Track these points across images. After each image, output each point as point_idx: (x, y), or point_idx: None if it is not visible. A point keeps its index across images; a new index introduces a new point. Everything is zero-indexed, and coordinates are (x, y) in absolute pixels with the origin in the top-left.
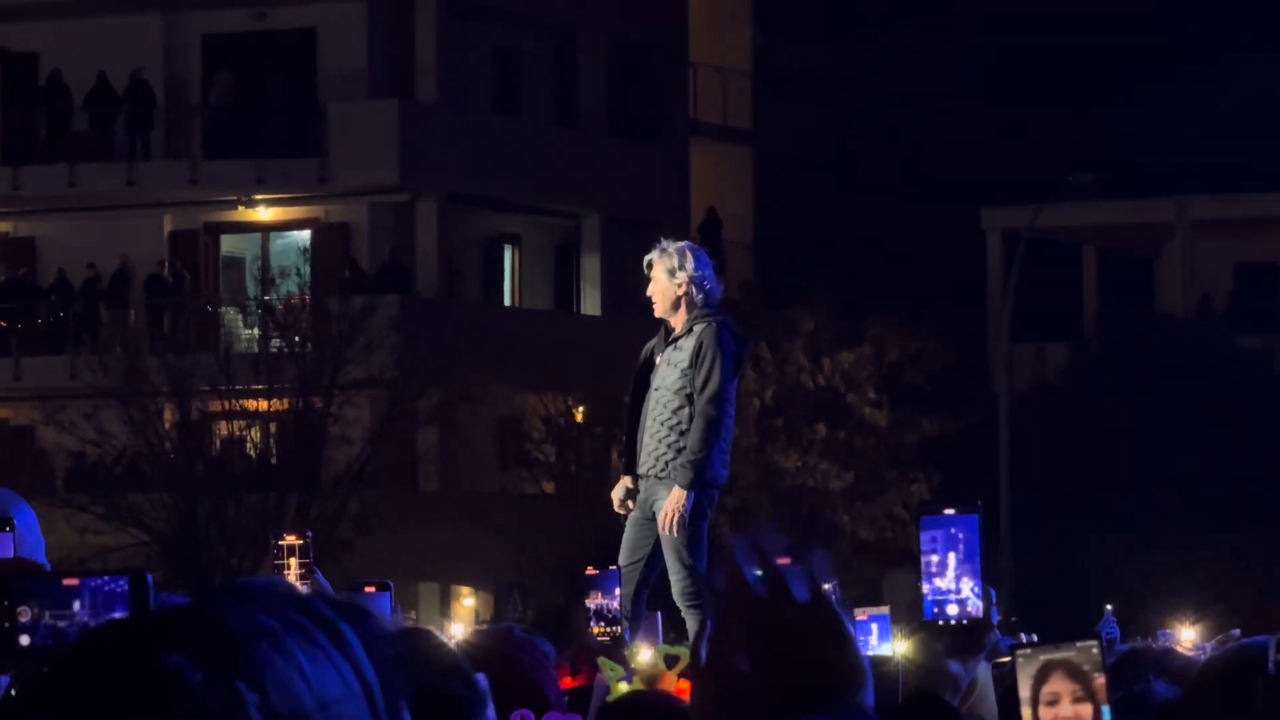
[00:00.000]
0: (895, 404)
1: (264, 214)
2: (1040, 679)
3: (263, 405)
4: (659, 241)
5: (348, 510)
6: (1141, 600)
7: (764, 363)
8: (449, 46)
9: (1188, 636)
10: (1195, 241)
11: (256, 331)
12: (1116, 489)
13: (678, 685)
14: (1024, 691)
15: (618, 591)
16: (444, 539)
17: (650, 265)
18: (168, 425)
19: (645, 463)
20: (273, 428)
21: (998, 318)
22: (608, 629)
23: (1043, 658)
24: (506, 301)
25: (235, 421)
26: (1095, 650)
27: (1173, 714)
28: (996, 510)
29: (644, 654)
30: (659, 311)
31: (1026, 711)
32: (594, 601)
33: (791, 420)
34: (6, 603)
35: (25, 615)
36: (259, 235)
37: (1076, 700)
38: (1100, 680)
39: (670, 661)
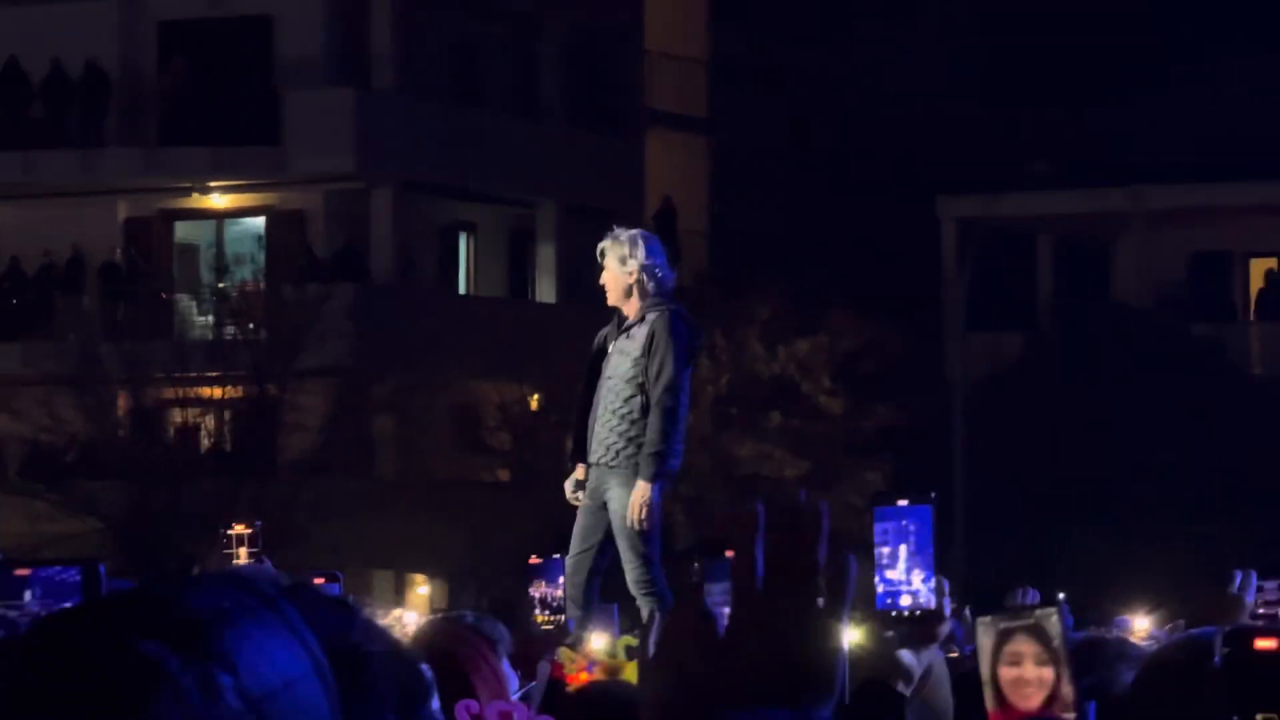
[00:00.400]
0: (850, 392)
1: (219, 201)
2: (1002, 639)
3: (217, 392)
4: (612, 230)
5: (302, 498)
6: (1096, 588)
7: (719, 351)
8: (406, 34)
9: (1141, 625)
10: (1150, 231)
11: (211, 319)
12: (1072, 477)
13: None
14: (984, 654)
15: (561, 580)
16: (399, 526)
17: (603, 254)
18: (122, 412)
19: (596, 451)
20: (227, 415)
21: (953, 306)
22: (551, 617)
23: (1003, 624)
24: (462, 289)
25: (190, 409)
26: (1055, 618)
27: (1124, 704)
28: (951, 499)
29: (597, 643)
30: (611, 300)
31: (985, 669)
32: (538, 590)
33: (746, 408)
34: None
35: None
36: (214, 222)
37: (1040, 663)
38: (1059, 645)
39: (631, 653)
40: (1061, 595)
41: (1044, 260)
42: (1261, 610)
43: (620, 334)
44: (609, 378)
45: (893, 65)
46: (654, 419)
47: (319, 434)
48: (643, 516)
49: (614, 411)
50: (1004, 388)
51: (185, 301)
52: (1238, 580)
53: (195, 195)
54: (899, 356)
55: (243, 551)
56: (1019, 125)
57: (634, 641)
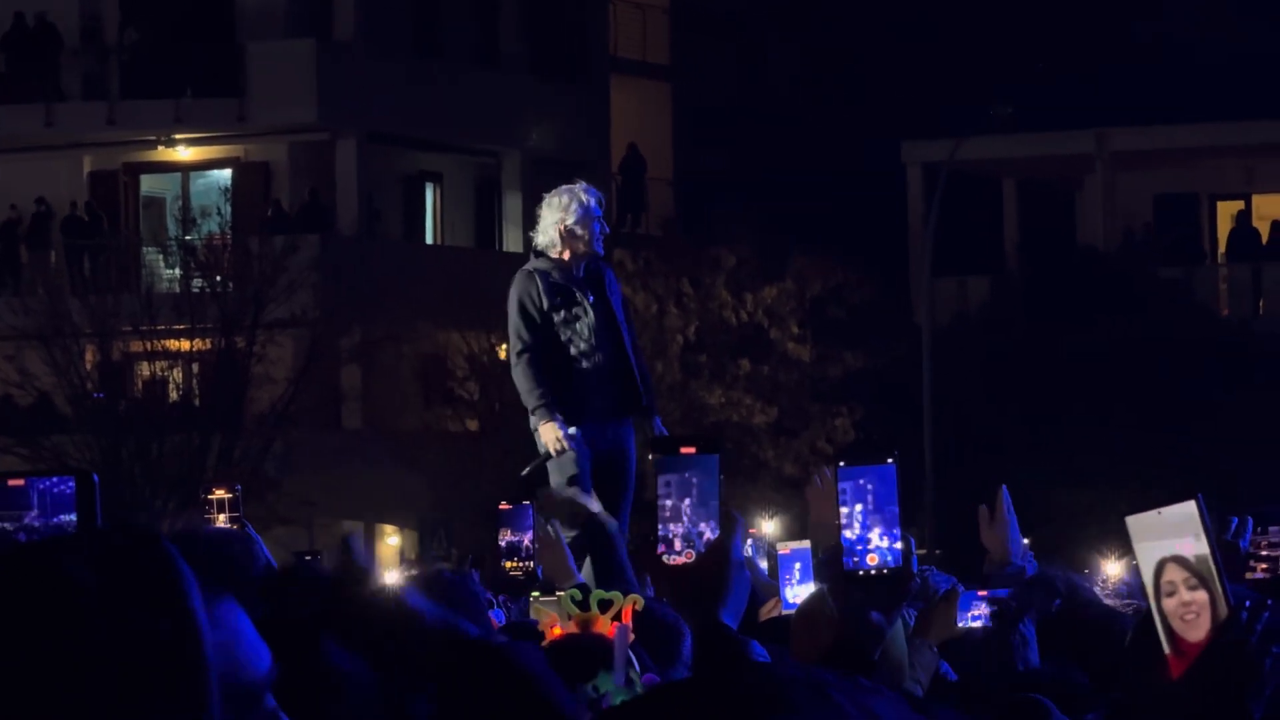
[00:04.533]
0: (818, 338)
1: (184, 154)
2: (1159, 571)
3: (185, 345)
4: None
5: (271, 450)
6: (1067, 532)
7: (686, 299)
8: None
9: (1113, 571)
10: (1115, 173)
11: (178, 272)
12: (1040, 421)
13: (610, 628)
14: (1149, 588)
15: (529, 527)
16: (368, 478)
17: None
18: (90, 366)
19: (610, 402)
20: (195, 368)
21: (919, 251)
22: (520, 564)
23: (1156, 551)
24: (428, 240)
25: (158, 362)
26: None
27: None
28: (920, 444)
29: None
30: (572, 251)
31: (1153, 606)
32: (505, 538)
33: (715, 356)
34: None
35: None
36: (179, 175)
37: (1192, 588)
38: (1209, 562)
39: (604, 606)
40: (1025, 541)
41: (1010, 204)
42: (1264, 552)
43: (577, 283)
44: (602, 326)
45: (857, 9)
46: (644, 369)
47: (287, 386)
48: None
49: (624, 357)
50: (971, 332)
51: (151, 255)
52: (1233, 526)
53: (160, 148)
54: (866, 302)
55: (222, 517)
56: (983, 68)
57: (605, 595)
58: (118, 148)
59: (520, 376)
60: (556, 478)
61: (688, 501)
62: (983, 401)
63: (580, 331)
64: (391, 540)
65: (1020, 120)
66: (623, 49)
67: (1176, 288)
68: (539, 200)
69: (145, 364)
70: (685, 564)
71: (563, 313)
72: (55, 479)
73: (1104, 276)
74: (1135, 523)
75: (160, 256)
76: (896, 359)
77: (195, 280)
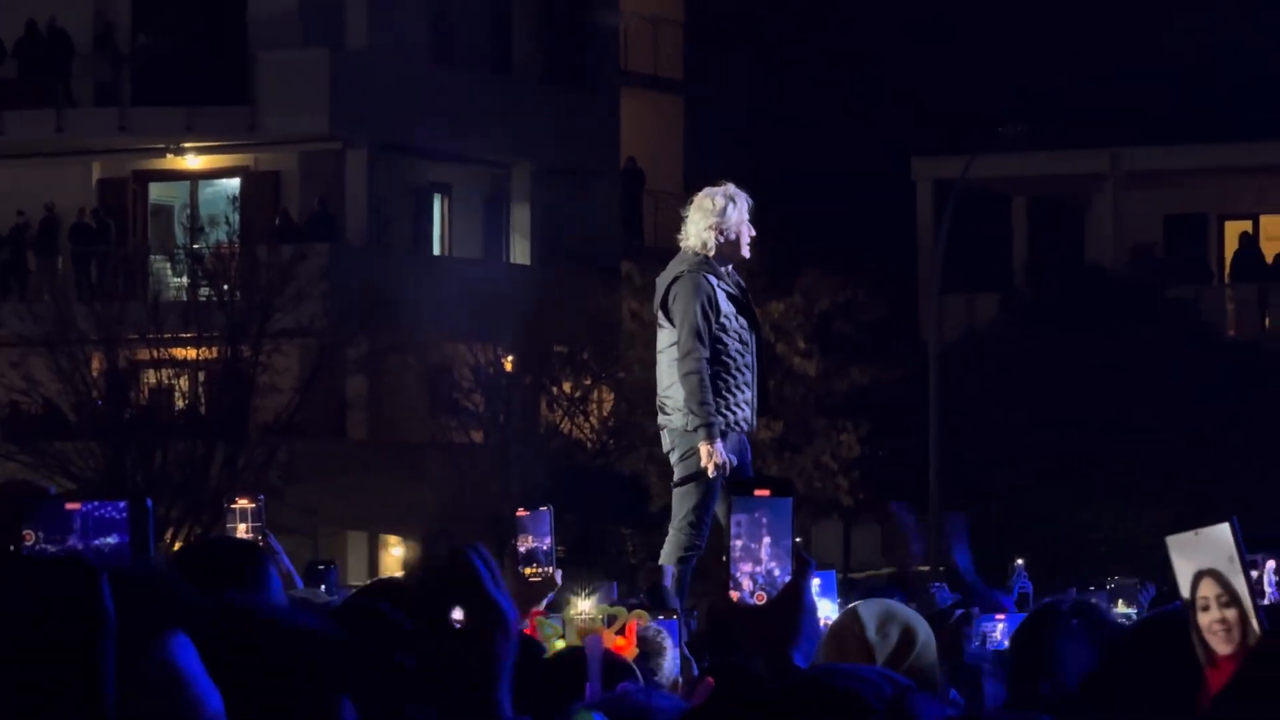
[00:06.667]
0: (825, 354)
1: (193, 162)
2: (1194, 586)
3: (191, 354)
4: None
5: (276, 459)
6: (1072, 549)
7: None
8: None
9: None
10: (1125, 192)
11: (185, 280)
12: (1047, 439)
13: (615, 643)
14: (1186, 595)
15: (548, 533)
16: (372, 488)
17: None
18: (95, 374)
19: (748, 417)
20: (201, 376)
21: (928, 268)
22: (539, 569)
23: (1192, 568)
24: (436, 250)
25: (163, 370)
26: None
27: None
28: (926, 460)
29: (583, 604)
30: (727, 256)
31: (1191, 623)
32: (524, 544)
33: None
34: (16, 525)
35: (30, 539)
36: (188, 183)
37: (1224, 605)
38: (1241, 582)
39: (609, 620)
40: (1020, 561)
41: (1019, 222)
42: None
43: (735, 289)
44: (752, 335)
45: (871, 26)
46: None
47: (292, 395)
48: None
49: (760, 369)
50: (979, 349)
51: (159, 263)
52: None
53: (170, 156)
54: (875, 318)
55: (243, 526)
56: (995, 86)
57: (611, 610)
58: (127, 155)
59: (695, 382)
60: (691, 492)
61: (760, 543)
62: (989, 418)
63: (746, 344)
64: (395, 551)
65: (1031, 138)
66: (634, 62)
67: (1184, 307)
68: (547, 211)
69: (151, 372)
70: (760, 606)
71: (733, 323)
72: (103, 503)
73: (1112, 295)
74: (1174, 542)
75: (168, 264)
76: (903, 375)
77: (202, 289)
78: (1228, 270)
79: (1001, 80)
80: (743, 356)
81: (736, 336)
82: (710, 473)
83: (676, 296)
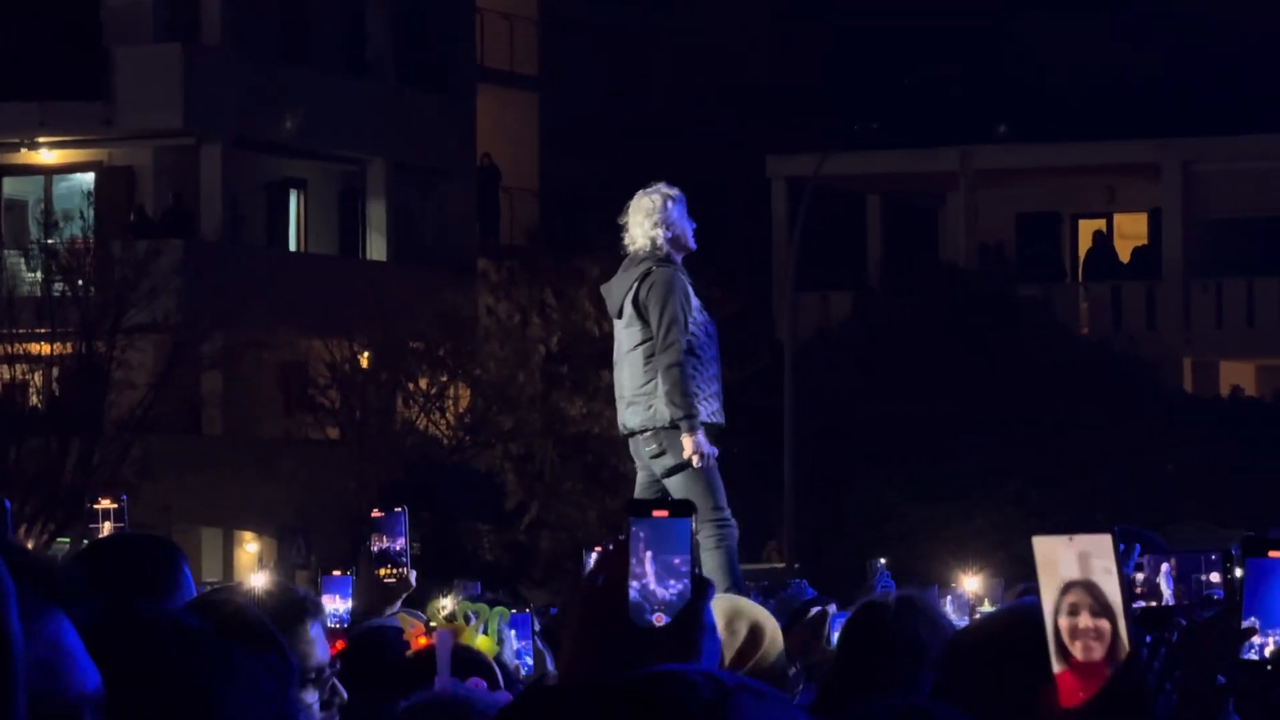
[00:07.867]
0: None
1: (47, 156)
2: (1063, 591)
3: (45, 349)
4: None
5: (131, 455)
6: (926, 547)
7: (549, 309)
8: None
9: (971, 587)
10: (978, 191)
11: (39, 275)
12: (900, 437)
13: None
14: (1047, 604)
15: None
16: (227, 484)
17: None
18: None
19: (720, 409)
20: (55, 371)
21: (783, 266)
22: (393, 570)
23: (1062, 573)
24: (291, 246)
25: (17, 365)
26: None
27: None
28: (781, 458)
29: (444, 601)
30: (680, 253)
31: (1049, 622)
32: (379, 544)
33: (577, 367)
34: None
35: None
36: (42, 178)
37: (1095, 614)
38: (1116, 594)
39: (470, 617)
40: (882, 561)
41: (874, 220)
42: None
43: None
44: (711, 337)
45: (724, 24)
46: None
47: (147, 391)
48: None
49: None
50: (833, 347)
51: (13, 257)
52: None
53: (24, 150)
54: (729, 316)
55: (107, 526)
56: (849, 84)
57: (472, 606)
58: None
59: (678, 374)
60: (693, 485)
61: (658, 564)
62: (843, 416)
63: (712, 337)
64: (250, 548)
65: (885, 137)
66: (490, 59)
67: (1037, 305)
68: (403, 208)
69: (4, 367)
70: (659, 627)
71: (701, 315)
72: None
73: (965, 293)
74: (1042, 544)
75: (22, 259)
76: (758, 373)
77: (56, 284)
78: (1081, 269)
79: (855, 78)
80: (709, 350)
81: (704, 329)
82: (695, 463)
83: (652, 290)
